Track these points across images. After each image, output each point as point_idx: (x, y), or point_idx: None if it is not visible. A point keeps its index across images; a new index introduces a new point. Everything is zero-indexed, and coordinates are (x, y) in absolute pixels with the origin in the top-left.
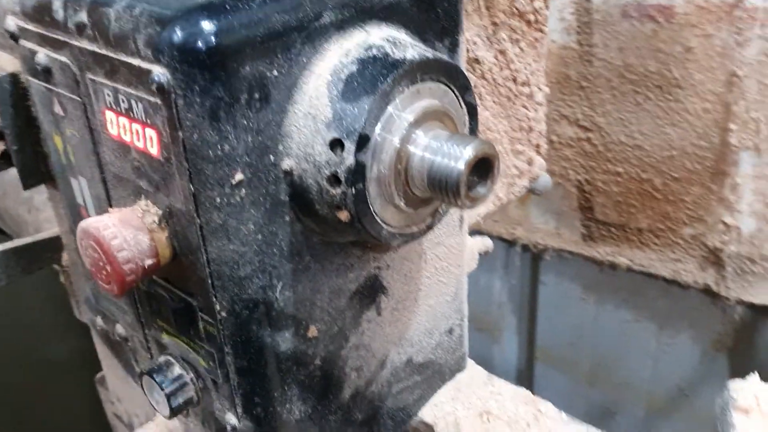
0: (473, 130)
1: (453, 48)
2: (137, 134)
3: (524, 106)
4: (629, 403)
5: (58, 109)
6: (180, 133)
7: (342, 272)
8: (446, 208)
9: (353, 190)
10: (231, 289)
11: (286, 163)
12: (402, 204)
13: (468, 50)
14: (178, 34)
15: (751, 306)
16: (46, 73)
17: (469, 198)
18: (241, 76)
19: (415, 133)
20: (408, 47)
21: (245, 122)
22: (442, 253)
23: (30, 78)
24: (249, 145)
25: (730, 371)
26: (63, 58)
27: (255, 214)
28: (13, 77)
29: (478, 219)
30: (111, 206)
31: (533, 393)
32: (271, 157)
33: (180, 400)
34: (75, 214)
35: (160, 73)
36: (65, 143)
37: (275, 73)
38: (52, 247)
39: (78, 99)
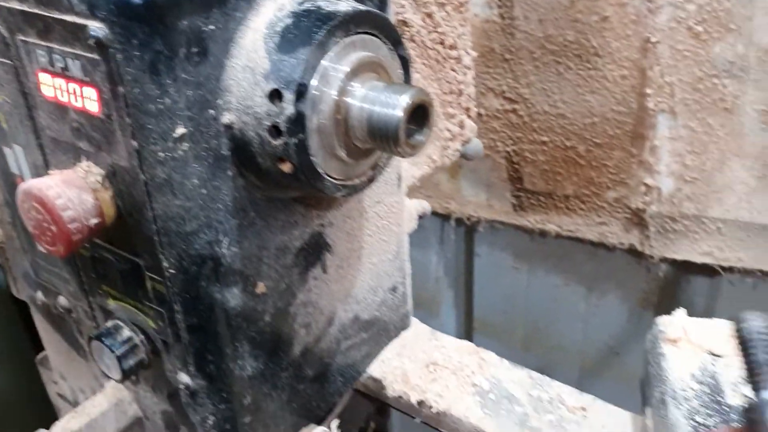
0: (407, 81)
1: (382, 7)
2: (75, 94)
3: (453, 70)
4: (563, 364)
5: None
6: (121, 88)
7: (287, 229)
8: (386, 161)
9: (294, 140)
10: (178, 245)
11: (227, 117)
12: (344, 155)
13: (396, 12)
14: None
15: (674, 262)
16: None
17: (409, 145)
18: (179, 30)
19: (351, 84)
20: (340, 1)
21: (185, 76)
22: (382, 212)
23: None
24: (189, 99)
25: None
26: None
27: (198, 168)
28: None
29: (414, 181)
30: (49, 172)
31: None
32: (212, 112)
33: (131, 362)
34: (10, 184)
35: (97, 28)
36: None
37: (212, 27)
38: None
39: (9, 62)
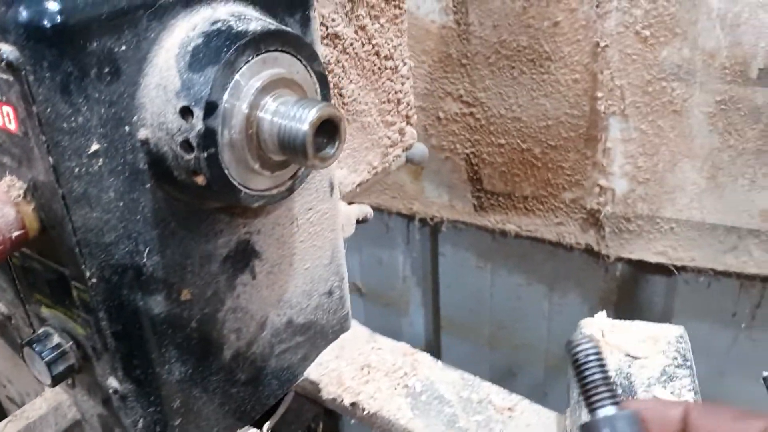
0: (325, 96)
1: (305, 23)
2: None
3: (390, 80)
4: (529, 362)
5: None
6: (34, 108)
7: (211, 238)
8: (306, 172)
9: (205, 154)
10: (98, 256)
11: (142, 133)
12: (257, 167)
13: (327, 26)
14: (23, 14)
15: (629, 262)
16: None
17: (318, 158)
18: (89, 52)
19: (264, 99)
20: (252, 21)
21: (97, 95)
22: (314, 218)
23: None
24: (103, 117)
25: None
26: None
27: (115, 182)
28: None
29: (354, 188)
30: None
31: (441, 361)
32: (127, 128)
33: (60, 367)
34: None
35: (8, 50)
36: None
37: (123, 48)
38: None
39: None
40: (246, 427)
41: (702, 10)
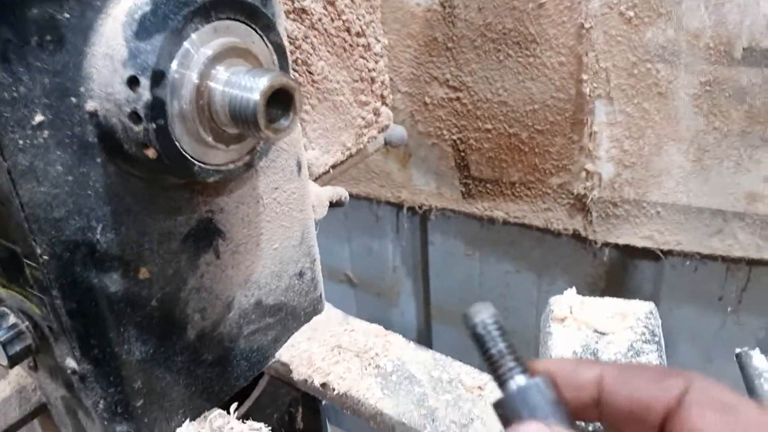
0: (283, 68)
1: None
2: None
3: (362, 57)
4: (519, 350)
5: None
6: None
7: (170, 215)
8: (266, 147)
9: (154, 125)
10: (48, 232)
11: (90, 105)
12: (211, 140)
13: (293, 0)
14: None
15: (616, 247)
16: None
17: (271, 129)
18: (29, 19)
19: (215, 69)
20: None
21: (39, 64)
22: (281, 198)
23: None
24: (46, 87)
25: None
26: None
27: (62, 155)
28: None
29: (326, 169)
30: None
31: (432, 350)
32: (73, 99)
33: (17, 347)
34: None
35: None
36: None
37: (67, 15)
38: None
39: None
40: (214, 409)
41: None
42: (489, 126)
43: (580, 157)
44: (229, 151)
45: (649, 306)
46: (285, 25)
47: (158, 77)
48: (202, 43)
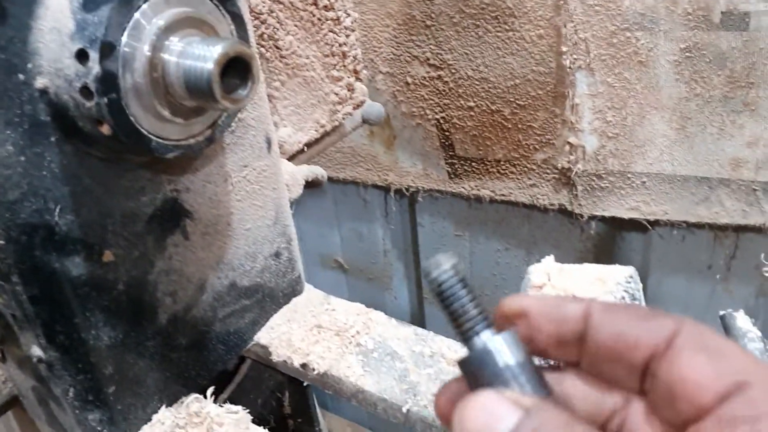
0: (243, 38)
1: None
2: None
3: (332, 32)
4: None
5: None
6: None
7: (133, 195)
8: (227, 121)
9: (106, 100)
10: (2, 215)
11: (40, 81)
12: (167, 114)
13: None
14: None
15: (603, 219)
16: None
17: (229, 100)
18: None
19: (168, 40)
20: None
21: None
22: (251, 176)
23: None
24: None
25: None
26: None
27: (13, 135)
28: None
29: (301, 147)
30: None
31: None
32: (21, 76)
33: None
34: None
35: None
36: None
37: None
38: None
39: None
40: (191, 394)
41: None
42: (471, 103)
43: (563, 131)
44: (189, 125)
45: (628, 270)
46: None
47: (108, 49)
48: (154, 14)
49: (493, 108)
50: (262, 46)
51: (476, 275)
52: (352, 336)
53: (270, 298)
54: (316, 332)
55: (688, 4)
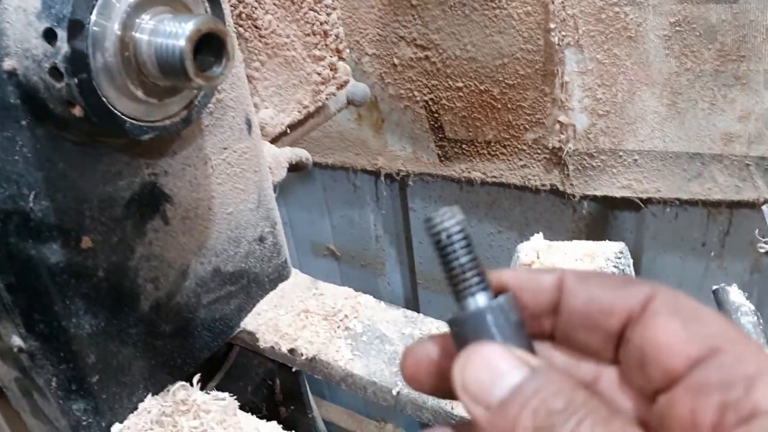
0: (217, 15)
1: None
2: None
3: (313, 10)
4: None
5: None
6: None
7: (109, 180)
8: (204, 101)
9: (76, 80)
10: None
11: (7, 63)
12: (141, 94)
13: None
14: None
15: (595, 199)
16: None
17: (203, 77)
18: None
19: (139, 18)
20: None
21: None
22: (231, 159)
23: None
24: None
25: None
26: None
27: None
28: None
29: (284, 128)
30: None
31: None
32: None
33: None
34: None
35: None
36: None
37: None
38: None
39: None
40: (178, 382)
41: None
42: (460, 84)
43: (553, 110)
44: (164, 105)
45: (618, 246)
46: None
47: (76, 28)
48: None
49: (481, 88)
50: (241, 26)
51: None
52: (341, 320)
53: (256, 283)
54: (303, 317)
55: None
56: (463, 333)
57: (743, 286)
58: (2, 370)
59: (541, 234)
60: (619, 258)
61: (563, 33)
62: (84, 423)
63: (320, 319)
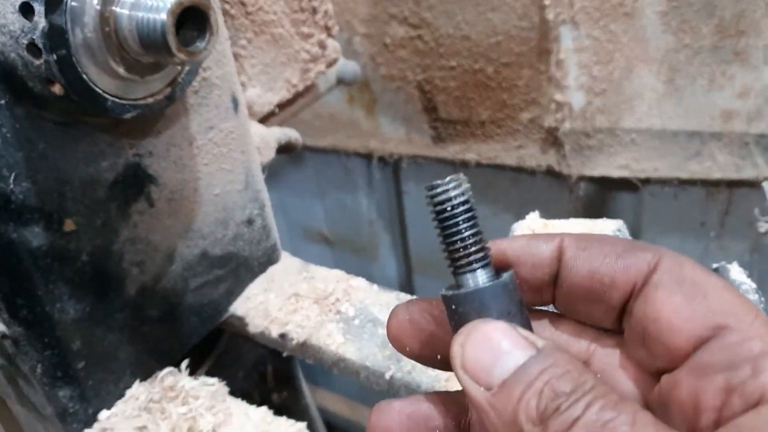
0: None
1: None
2: None
3: None
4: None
5: None
6: None
7: (92, 161)
8: (188, 78)
9: (55, 56)
10: None
11: None
12: (122, 71)
13: None
14: None
15: (592, 180)
16: None
17: (185, 52)
18: None
19: None
20: None
21: None
22: (218, 139)
23: None
24: None
25: None
26: None
27: None
28: None
29: (272, 108)
30: None
31: None
32: None
33: None
34: None
35: None
36: None
37: None
38: None
39: None
40: (166, 368)
41: None
42: (453, 63)
43: (549, 88)
44: (146, 82)
45: (616, 223)
46: None
47: (53, 2)
48: None
49: (475, 67)
50: (227, 3)
51: None
52: (332, 303)
53: (244, 267)
54: (294, 301)
55: None
56: (464, 310)
57: (743, 265)
58: None
59: (536, 212)
60: (618, 234)
61: (558, 9)
62: (70, 410)
63: (311, 303)
